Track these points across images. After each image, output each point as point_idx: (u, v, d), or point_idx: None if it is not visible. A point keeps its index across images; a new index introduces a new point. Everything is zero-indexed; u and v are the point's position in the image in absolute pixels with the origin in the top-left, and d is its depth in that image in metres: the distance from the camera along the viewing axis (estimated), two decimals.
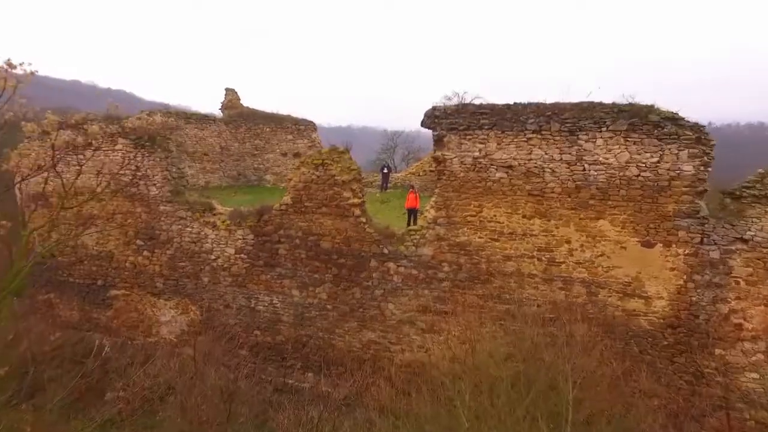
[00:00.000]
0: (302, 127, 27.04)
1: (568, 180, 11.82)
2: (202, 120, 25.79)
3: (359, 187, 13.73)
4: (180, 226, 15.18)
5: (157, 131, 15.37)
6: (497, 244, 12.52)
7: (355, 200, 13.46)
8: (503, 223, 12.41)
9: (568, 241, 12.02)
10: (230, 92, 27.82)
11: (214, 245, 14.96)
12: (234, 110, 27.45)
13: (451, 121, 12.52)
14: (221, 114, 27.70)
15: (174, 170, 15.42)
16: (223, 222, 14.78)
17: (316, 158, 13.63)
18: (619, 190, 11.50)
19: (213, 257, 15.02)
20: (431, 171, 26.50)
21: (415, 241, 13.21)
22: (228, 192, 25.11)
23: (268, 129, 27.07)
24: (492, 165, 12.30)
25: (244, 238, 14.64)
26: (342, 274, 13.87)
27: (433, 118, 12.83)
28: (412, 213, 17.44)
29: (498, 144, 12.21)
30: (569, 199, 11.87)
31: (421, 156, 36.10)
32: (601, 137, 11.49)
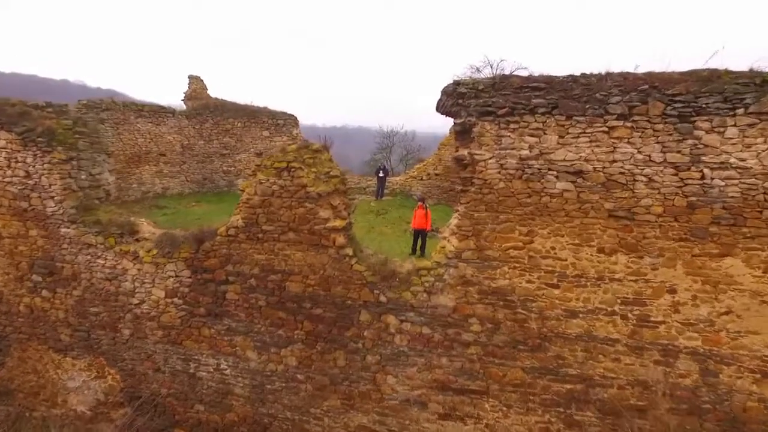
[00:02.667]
0: (281, 121, 22.53)
1: (676, 194, 7.39)
2: (158, 113, 21.20)
3: (343, 203, 9.24)
4: (89, 257, 10.61)
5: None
6: (556, 292, 8.08)
7: (337, 223, 8.97)
8: (566, 260, 7.97)
9: (672, 290, 7.60)
10: (194, 80, 23.26)
11: (137, 285, 10.41)
12: (199, 101, 22.89)
13: (485, 101, 8.05)
14: (184, 106, 23.13)
15: (83, 177, 10.85)
16: (148, 252, 10.23)
17: (278, 160, 9.12)
18: (762, 211, 7.10)
19: (135, 301, 10.47)
20: (437, 174, 22.13)
21: (428, 284, 8.73)
22: (189, 200, 20.56)
23: (239, 124, 22.54)
24: (550, 170, 7.84)
25: (177, 276, 10.10)
26: (318, 332, 9.38)
27: (456, 97, 8.36)
28: (421, 235, 12.98)
29: (560, 137, 7.76)
30: (676, 225, 7.45)
31: (423, 156, 31.74)
32: (734, 125, 7.07)
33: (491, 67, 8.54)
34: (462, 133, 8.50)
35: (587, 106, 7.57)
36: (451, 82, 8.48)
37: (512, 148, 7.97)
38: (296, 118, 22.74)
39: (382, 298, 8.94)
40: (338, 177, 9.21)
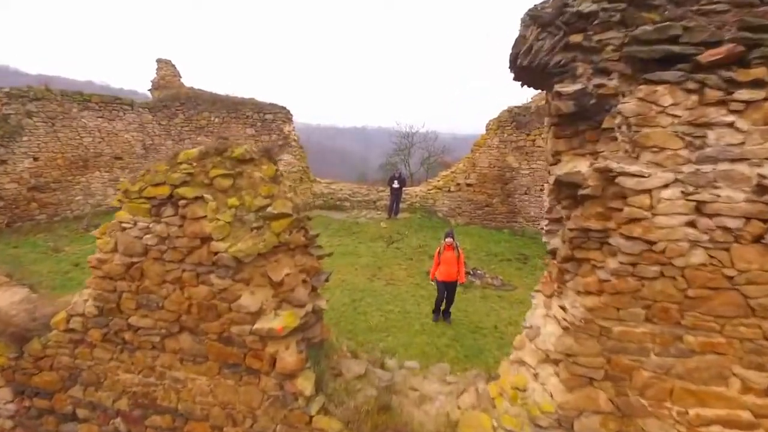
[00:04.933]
0: (269, 115, 17.77)
1: None
2: (112, 104, 16.66)
3: (298, 271, 4.29)
4: None
5: None
6: None
7: (277, 322, 4.01)
8: None
9: None
10: (164, 65, 18.72)
11: None
12: (169, 91, 18.31)
13: (658, 31, 2.96)
14: (151, 96, 18.58)
15: None
16: None
17: (154, 182, 4.23)
18: None
19: None
20: (469, 185, 16.97)
21: None
22: None
23: (217, 119, 17.86)
24: None
25: None
26: None
27: (566, 28, 3.30)
28: (448, 290, 8.04)
29: None
30: None
31: (447, 160, 26.65)
32: None
33: None
34: (575, 119, 3.45)
35: None
36: None
37: (739, 158, 2.87)
38: (288, 111, 17.95)
39: None
40: (289, 218, 4.25)
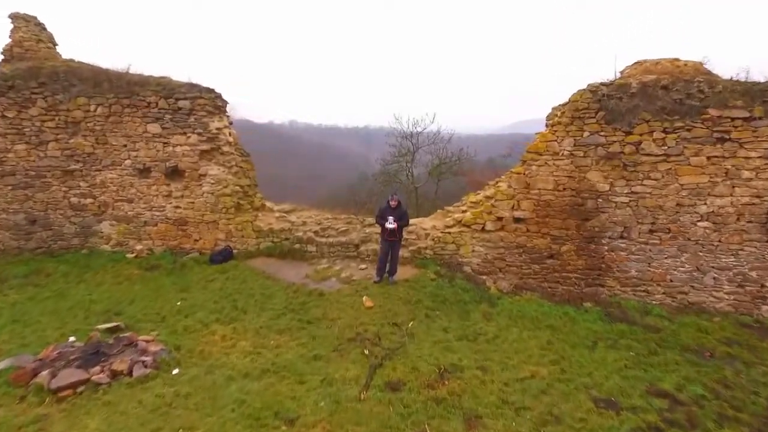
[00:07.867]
0: (184, 102, 10.81)
1: None
2: None
3: None
4: None
5: None
6: None
7: None
8: None
9: None
10: (23, 23, 11.76)
11: None
12: (29, 62, 11.40)
13: None
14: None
15: None
16: None
17: None
18: None
19: None
20: (519, 221, 9.82)
21: None
22: None
23: (100, 108, 10.94)
24: None
25: None
26: None
27: None
28: None
29: None
30: None
31: (465, 169, 19.70)
32: None
33: None
34: None
35: None
36: None
37: None
38: (217, 95, 10.98)
39: None
40: None
